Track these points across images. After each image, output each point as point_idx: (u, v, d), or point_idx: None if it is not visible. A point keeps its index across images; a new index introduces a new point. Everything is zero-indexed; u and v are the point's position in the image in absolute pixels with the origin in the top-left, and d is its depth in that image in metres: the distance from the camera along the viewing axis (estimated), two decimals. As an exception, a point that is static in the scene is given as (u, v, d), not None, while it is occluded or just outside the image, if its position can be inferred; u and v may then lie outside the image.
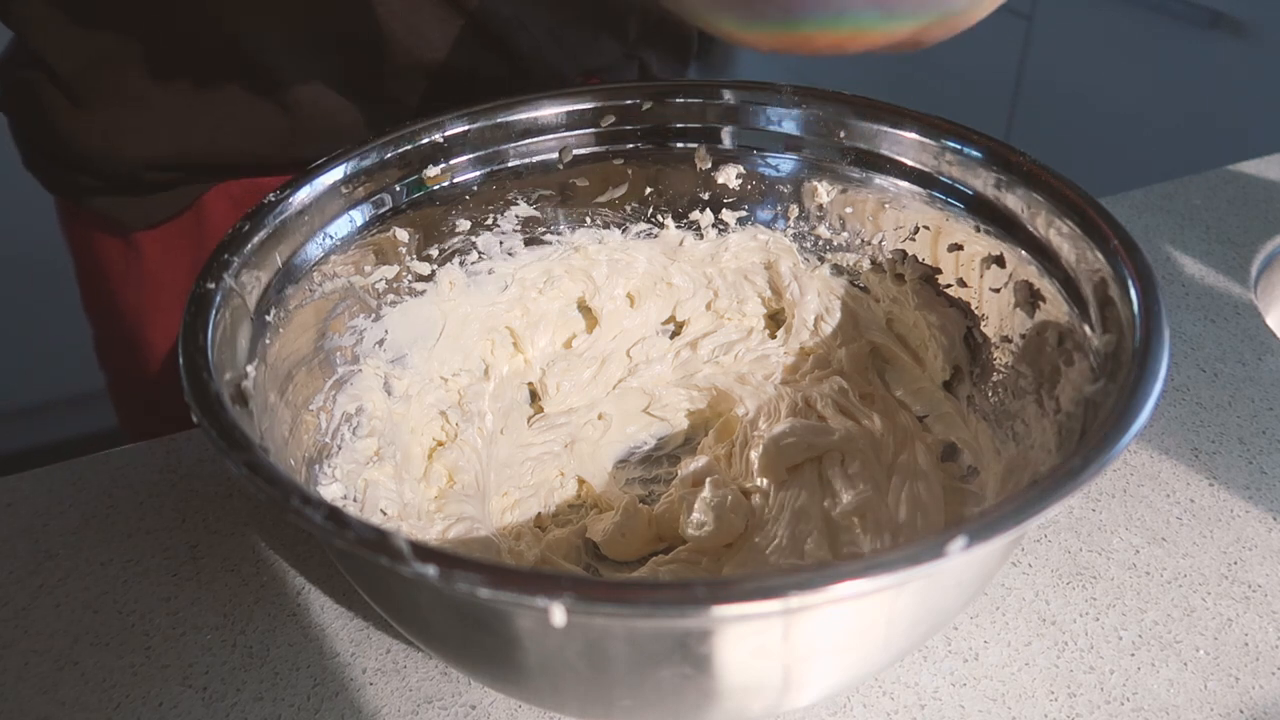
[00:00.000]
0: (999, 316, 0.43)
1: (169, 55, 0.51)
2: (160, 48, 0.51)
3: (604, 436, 0.50)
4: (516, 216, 0.49)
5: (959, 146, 0.43)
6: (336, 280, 0.42)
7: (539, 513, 0.46)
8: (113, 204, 0.56)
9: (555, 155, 0.48)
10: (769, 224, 0.50)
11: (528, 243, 0.49)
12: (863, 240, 0.49)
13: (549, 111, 0.47)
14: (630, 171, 0.49)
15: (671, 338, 0.53)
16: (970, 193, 0.43)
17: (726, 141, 0.49)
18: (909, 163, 0.45)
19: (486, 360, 0.50)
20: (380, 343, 0.45)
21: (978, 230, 0.43)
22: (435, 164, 0.45)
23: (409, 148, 0.44)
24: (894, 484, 0.43)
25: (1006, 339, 0.43)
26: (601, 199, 0.50)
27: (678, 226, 0.51)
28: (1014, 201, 0.41)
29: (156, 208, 0.56)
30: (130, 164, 0.53)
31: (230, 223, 0.55)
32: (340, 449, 0.41)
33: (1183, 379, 0.53)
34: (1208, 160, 0.73)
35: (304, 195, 0.40)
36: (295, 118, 0.52)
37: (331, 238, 0.42)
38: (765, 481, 0.45)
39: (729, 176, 0.49)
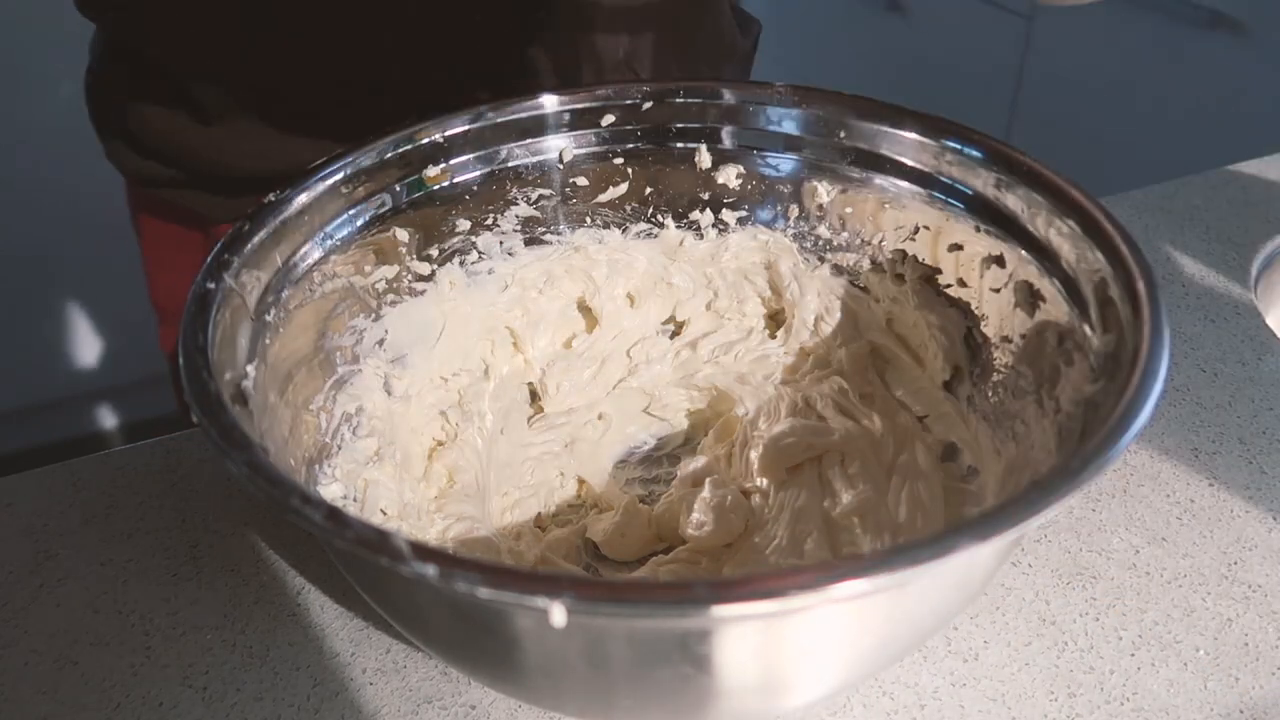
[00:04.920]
0: (999, 316, 0.43)
1: (287, 78, 0.53)
2: (279, 71, 0.53)
3: (604, 436, 0.50)
4: (516, 216, 0.49)
5: (959, 146, 0.43)
6: (336, 280, 0.42)
7: (539, 513, 0.46)
8: (197, 198, 0.59)
9: (555, 155, 0.48)
10: (769, 224, 0.50)
11: (528, 243, 0.49)
12: (863, 240, 0.49)
13: (549, 111, 0.47)
14: (630, 171, 0.49)
15: (671, 338, 0.53)
16: (970, 193, 0.43)
17: (726, 141, 0.49)
18: (909, 163, 0.45)
19: (486, 360, 0.50)
20: (380, 343, 0.45)
21: (978, 230, 0.43)
22: (435, 164, 0.45)
23: (409, 148, 0.44)
24: (894, 484, 0.43)
25: (1006, 339, 0.43)
26: (601, 199, 0.50)
27: (678, 226, 0.51)
28: (1014, 201, 0.41)
29: (242, 204, 0.58)
30: (241, 174, 0.55)
31: None
32: (340, 449, 0.41)
33: (1183, 379, 0.53)
34: (1208, 160, 0.73)
35: (304, 195, 0.40)
36: None
37: (331, 238, 0.42)
38: (765, 481, 0.45)
39: (729, 176, 0.49)
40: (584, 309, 0.52)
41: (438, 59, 0.55)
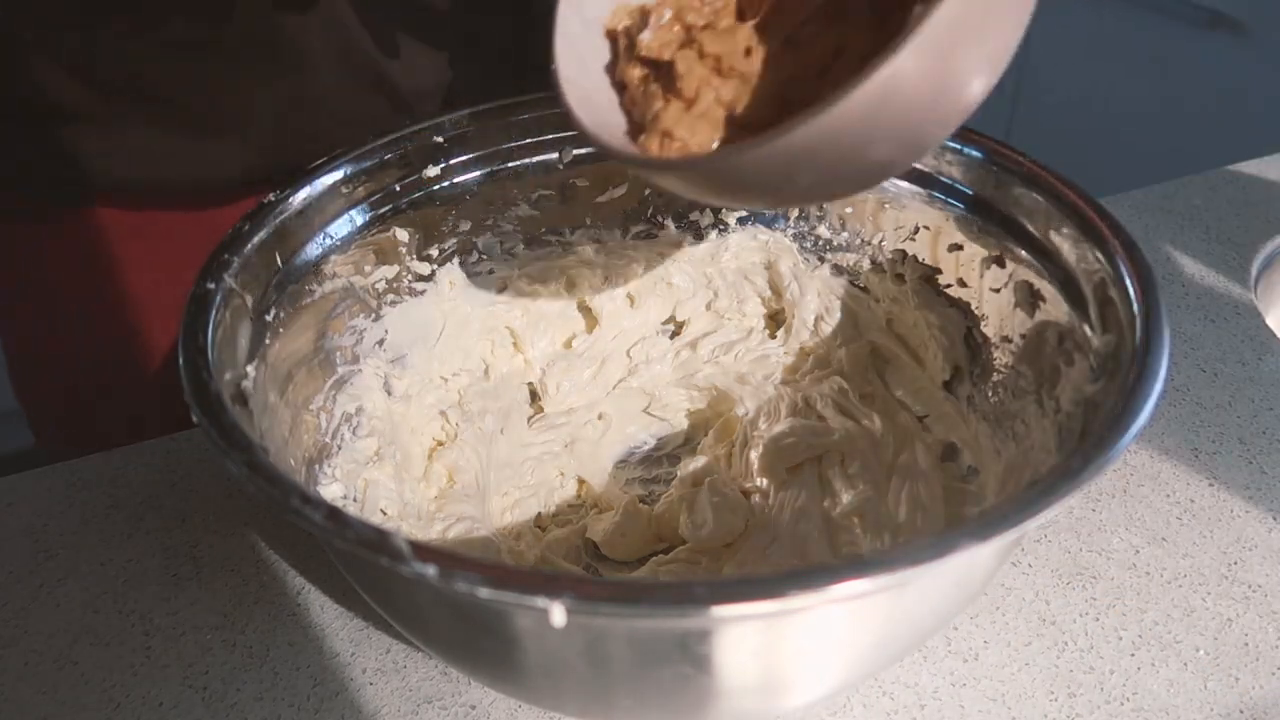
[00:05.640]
0: (999, 316, 0.43)
1: (140, 87, 0.51)
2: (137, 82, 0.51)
3: (604, 436, 0.50)
4: (516, 216, 0.49)
5: (959, 146, 0.43)
6: (336, 280, 0.42)
7: (539, 513, 0.46)
8: (21, 197, 0.56)
9: (555, 155, 0.48)
10: (769, 224, 0.50)
11: (528, 243, 0.49)
12: (863, 240, 0.49)
13: (549, 111, 0.47)
14: (630, 171, 0.49)
15: (671, 338, 0.53)
16: (970, 193, 0.43)
17: (726, 141, 0.49)
18: (909, 163, 0.45)
19: (486, 360, 0.50)
20: (380, 343, 0.45)
21: (978, 230, 0.43)
22: (435, 164, 0.45)
23: (409, 148, 0.44)
24: (894, 484, 0.43)
25: (1006, 339, 0.43)
26: (601, 199, 0.50)
27: (677, 227, 0.51)
28: (1014, 201, 0.41)
29: (50, 207, 0.56)
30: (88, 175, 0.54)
31: (122, 222, 0.55)
32: (340, 449, 0.41)
33: (1183, 379, 0.53)
34: (1208, 160, 0.73)
35: (304, 195, 0.40)
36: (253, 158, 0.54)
37: (331, 238, 0.42)
38: (765, 481, 0.45)
39: (729, 176, 0.49)
40: (584, 309, 0.52)
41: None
